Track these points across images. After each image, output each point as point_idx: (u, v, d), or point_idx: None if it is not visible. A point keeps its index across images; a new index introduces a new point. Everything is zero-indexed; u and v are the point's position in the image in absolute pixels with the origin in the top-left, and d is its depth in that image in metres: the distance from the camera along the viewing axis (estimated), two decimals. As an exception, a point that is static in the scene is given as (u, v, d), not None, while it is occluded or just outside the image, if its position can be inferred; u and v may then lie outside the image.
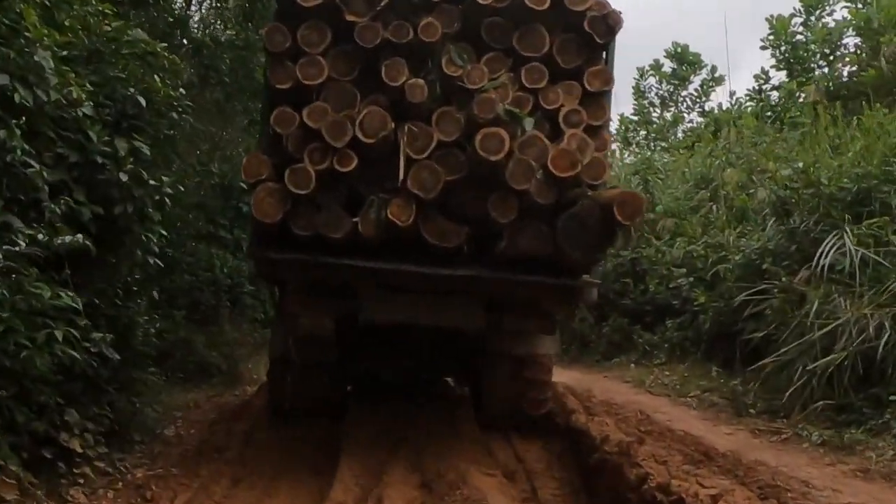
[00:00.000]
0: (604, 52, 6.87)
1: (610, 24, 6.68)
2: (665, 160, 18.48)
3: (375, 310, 6.94)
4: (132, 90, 6.44)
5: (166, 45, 7.49)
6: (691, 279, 11.61)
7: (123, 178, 5.92)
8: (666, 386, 10.28)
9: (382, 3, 6.40)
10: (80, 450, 5.94)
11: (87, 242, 5.18)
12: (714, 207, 12.67)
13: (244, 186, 14.99)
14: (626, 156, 18.64)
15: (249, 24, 14.90)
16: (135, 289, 7.31)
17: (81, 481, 6.02)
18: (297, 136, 6.27)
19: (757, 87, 16.53)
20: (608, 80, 6.77)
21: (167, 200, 6.59)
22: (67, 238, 4.96)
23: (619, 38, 6.76)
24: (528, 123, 6.32)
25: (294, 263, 6.48)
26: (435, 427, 7.99)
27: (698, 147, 16.80)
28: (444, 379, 9.81)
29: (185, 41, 11.73)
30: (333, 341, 7.42)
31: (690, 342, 11.47)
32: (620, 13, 6.69)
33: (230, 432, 7.74)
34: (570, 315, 9.83)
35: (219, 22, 14.17)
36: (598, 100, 6.72)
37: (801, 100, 15.31)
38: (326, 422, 8.42)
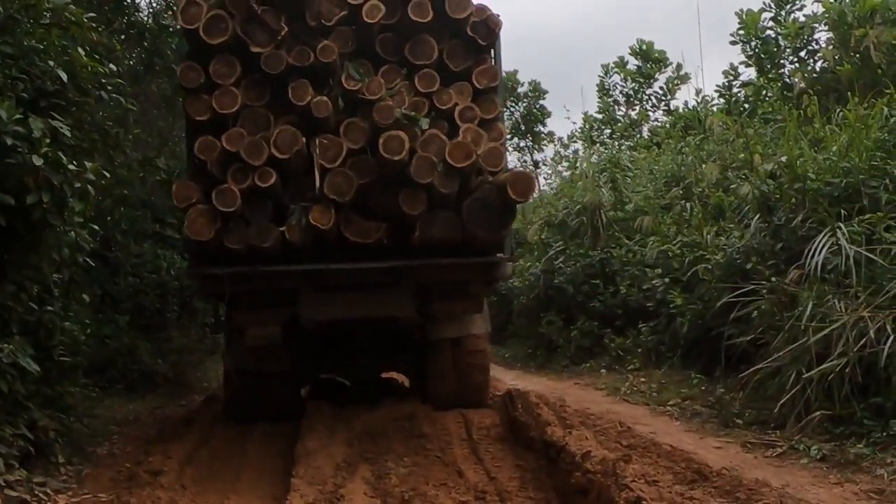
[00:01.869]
0: (491, 52, 7.79)
1: (490, 26, 7.63)
2: (632, 158, 17.93)
3: (315, 310, 7.66)
4: (52, 64, 5.62)
5: (94, 15, 6.65)
6: (666, 280, 10.99)
7: (38, 162, 5.10)
8: (643, 394, 9.65)
9: (283, 33, 7.23)
10: (-15, 477, 5.12)
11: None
12: (688, 205, 12.10)
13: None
14: (591, 154, 18.02)
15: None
16: (56, 291, 6.41)
17: (-11, 513, 5.23)
18: (219, 161, 7.01)
19: (726, 84, 15.99)
20: (495, 76, 7.69)
21: (90, 189, 5.73)
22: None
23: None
24: (425, 123, 7.19)
25: (232, 276, 7.16)
26: (398, 442, 7.29)
27: (667, 144, 16.28)
28: (390, 377, 10.43)
29: (125, 21, 10.81)
30: (283, 349, 7.95)
31: (666, 347, 10.87)
32: (498, 16, 7.65)
33: (169, 452, 6.91)
34: (490, 292, 10.23)
35: (165, 7, 13.30)
36: (488, 96, 7.62)
37: (768, 96, 14.85)
38: (278, 439, 7.80)
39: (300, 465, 6.45)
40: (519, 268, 17.81)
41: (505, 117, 23.37)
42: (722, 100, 16.64)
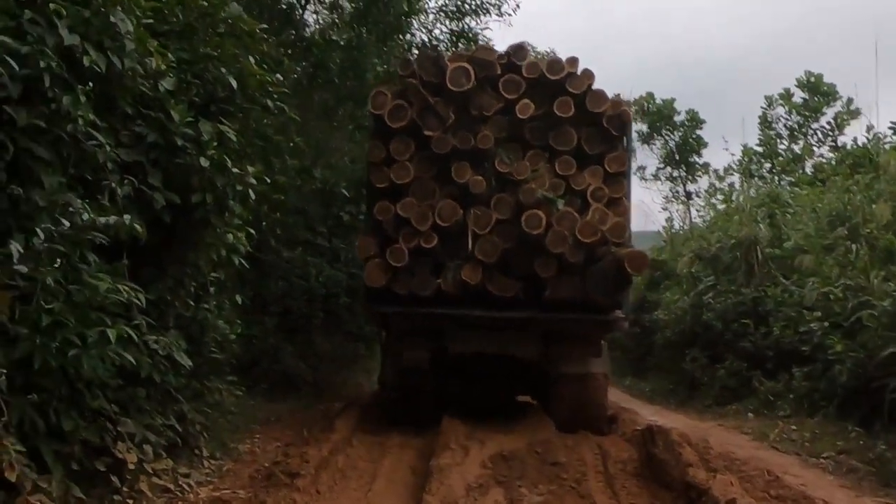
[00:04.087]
0: (623, 140, 9.27)
1: (623, 119, 9.16)
2: (793, 194, 17.09)
3: (458, 344, 9.00)
4: (224, 71, 5.83)
5: (265, 26, 6.87)
6: (826, 324, 10.35)
7: (205, 164, 5.28)
8: (794, 442, 9.08)
9: (450, 121, 8.86)
10: (134, 462, 5.30)
11: (138, 225, 4.49)
12: (854, 247, 11.36)
13: (346, 194, 14.70)
14: (749, 188, 17.29)
15: (364, 27, 14.49)
16: (212, 290, 6.62)
17: (135, 497, 5.41)
18: (393, 222, 8.81)
19: (904, 120, 14.98)
20: (623, 163, 9.18)
21: (251, 193, 5.91)
22: (112, 218, 4.27)
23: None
24: (560, 204, 8.68)
25: (397, 314, 8.94)
26: (532, 468, 7.14)
27: (833, 181, 15.41)
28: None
29: (293, 34, 11.17)
30: (429, 371, 9.08)
31: (821, 395, 10.20)
32: (631, 111, 9.39)
33: (306, 455, 6.99)
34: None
35: (333, 21, 13.70)
36: (617, 178, 9.10)
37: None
38: (412, 453, 7.81)
39: (433, 481, 6.39)
40: (665, 300, 17.34)
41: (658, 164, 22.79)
42: (896, 137, 15.56)
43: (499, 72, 9.15)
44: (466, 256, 8.68)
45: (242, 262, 6.97)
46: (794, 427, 9.77)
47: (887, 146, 17.01)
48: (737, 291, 13.86)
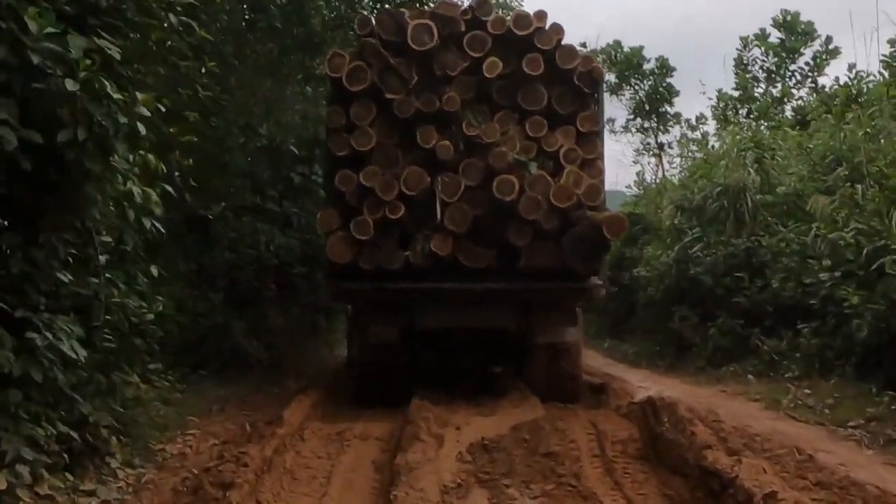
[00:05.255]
0: (594, 98, 8.87)
1: (594, 77, 8.78)
2: (776, 137, 15.93)
3: (428, 319, 8.58)
4: (105, -29, 4.44)
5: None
6: (837, 274, 9.21)
7: (73, 87, 3.88)
8: (812, 410, 7.96)
9: (413, 82, 8.40)
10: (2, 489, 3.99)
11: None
12: (859, 188, 10.24)
13: (296, 152, 13.33)
14: (734, 132, 16.10)
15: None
16: (103, 258, 5.14)
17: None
18: (356, 192, 8.33)
19: (894, 53, 13.84)
20: (596, 122, 8.82)
21: (141, 128, 4.46)
22: None
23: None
24: (533, 167, 8.31)
25: (363, 290, 8.51)
26: (520, 460, 5.93)
27: (823, 119, 14.26)
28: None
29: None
30: (399, 347, 8.65)
31: (835, 353, 9.10)
32: (603, 67, 8.80)
33: (245, 457, 5.69)
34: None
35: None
36: (590, 138, 8.70)
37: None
38: (376, 446, 6.65)
39: (400, 485, 5.17)
40: (646, 256, 16.20)
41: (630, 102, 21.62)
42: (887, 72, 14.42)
43: (463, 28, 8.57)
44: (435, 226, 8.24)
45: (156, 225, 5.59)
46: (807, 391, 8.67)
47: (870, 84, 15.98)
48: (726, 243, 12.72)
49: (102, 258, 4.90)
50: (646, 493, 5.69)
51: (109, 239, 5.01)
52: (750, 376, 10.38)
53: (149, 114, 4.41)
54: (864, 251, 8.90)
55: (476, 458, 6.02)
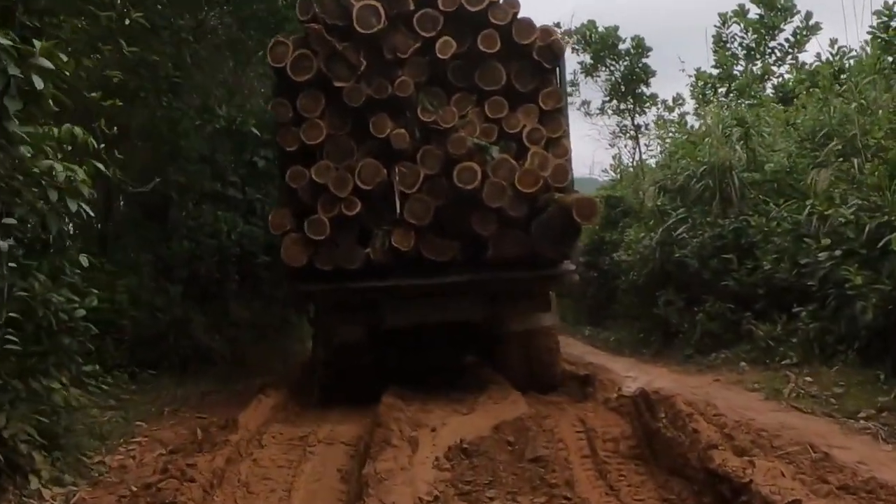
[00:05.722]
0: (556, 73, 8.39)
1: (554, 51, 8.24)
2: (758, 116, 15.35)
3: (394, 317, 8.12)
4: None
5: None
6: (837, 253, 8.60)
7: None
8: (816, 399, 7.34)
9: (362, 68, 7.90)
10: None
11: None
12: (856, 162, 9.65)
13: (258, 134, 12.58)
14: (719, 109, 15.51)
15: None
16: (5, 243, 4.28)
17: None
18: (309, 189, 7.84)
19: (882, 24, 13.28)
20: (559, 98, 8.33)
21: (38, 82, 3.64)
22: None
23: None
24: (495, 152, 7.82)
25: (322, 292, 8.01)
26: (504, 466, 5.27)
27: (811, 94, 13.69)
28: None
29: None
30: (366, 346, 8.28)
31: (837, 338, 8.50)
32: (563, 39, 8.50)
33: (192, 472, 4.98)
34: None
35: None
36: (554, 116, 8.25)
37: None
38: (342, 452, 6.00)
39: (369, 498, 4.51)
40: (627, 240, 15.59)
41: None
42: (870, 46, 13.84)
43: (412, 7, 8.11)
44: (395, 221, 7.83)
45: (85, 209, 4.84)
46: (809, 379, 8.05)
47: (852, 59, 15.49)
48: (713, 223, 12.10)
49: (6, 243, 4.14)
50: (644, 500, 5.07)
51: (13, 221, 4.25)
52: (743, 364, 9.76)
53: (50, 66, 3.66)
54: (867, 228, 8.30)
55: (455, 464, 5.36)
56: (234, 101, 13.15)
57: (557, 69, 8.44)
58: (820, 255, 8.91)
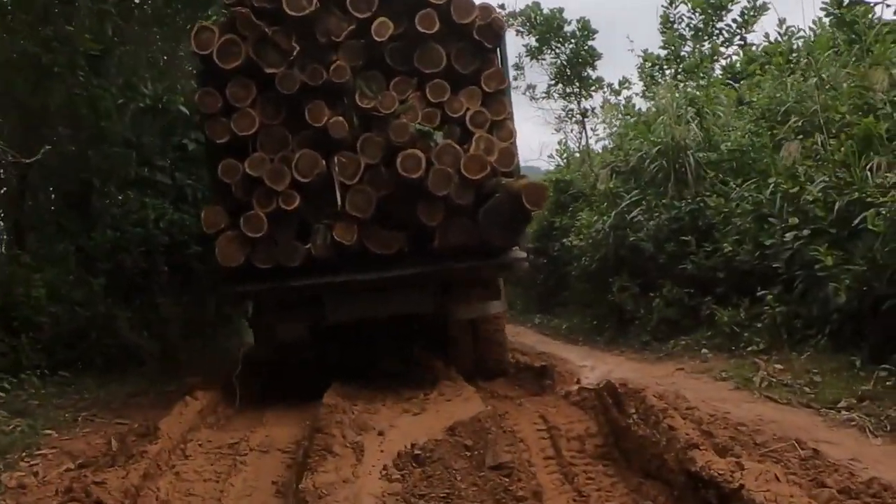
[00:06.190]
0: (497, 53, 8.03)
1: (495, 29, 7.86)
2: (709, 96, 14.98)
3: (339, 312, 7.81)
4: None
5: None
6: (805, 233, 8.14)
7: None
8: (790, 388, 6.83)
9: (294, 53, 7.45)
10: None
11: None
12: (819, 138, 9.22)
13: (186, 113, 11.76)
14: (673, 87, 15.07)
15: None
16: None
17: None
18: (243, 183, 7.37)
19: (835, 0, 12.92)
20: (502, 80, 7.98)
21: None
22: None
23: None
24: (439, 138, 7.47)
25: (260, 292, 7.63)
26: (462, 475, 4.63)
27: (766, 71, 13.32)
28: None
29: None
30: (308, 343, 8.03)
31: (805, 322, 8.05)
32: (503, 18, 8.30)
33: (100, 491, 4.25)
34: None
35: None
36: (497, 98, 7.90)
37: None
38: (278, 460, 5.32)
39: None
40: (579, 224, 15.09)
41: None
42: (827, 21, 13.52)
43: None
44: (336, 214, 7.44)
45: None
46: (779, 366, 7.58)
47: (800, 40, 15.24)
48: (668, 205, 11.64)
49: None
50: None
51: None
52: (705, 351, 9.29)
53: None
54: (836, 206, 7.86)
55: (406, 474, 4.70)
56: (163, 80, 12.32)
57: (499, 49, 8.11)
58: (786, 235, 8.45)
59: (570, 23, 24.65)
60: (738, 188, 10.47)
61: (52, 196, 11.73)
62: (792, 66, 12.64)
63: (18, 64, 9.98)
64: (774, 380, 7.22)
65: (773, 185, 9.22)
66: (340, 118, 7.52)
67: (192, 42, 7.70)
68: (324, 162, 7.43)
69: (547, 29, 24.21)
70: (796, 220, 8.28)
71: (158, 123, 11.84)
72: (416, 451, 4.93)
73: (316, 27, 7.61)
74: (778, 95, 11.72)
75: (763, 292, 8.83)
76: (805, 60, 11.28)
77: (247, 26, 7.50)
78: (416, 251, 7.65)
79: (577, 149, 25.01)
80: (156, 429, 5.50)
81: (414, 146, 7.44)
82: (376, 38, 7.59)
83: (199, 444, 5.65)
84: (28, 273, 9.73)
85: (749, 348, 8.56)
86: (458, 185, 7.38)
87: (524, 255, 8.09)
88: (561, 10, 24.79)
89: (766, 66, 13.37)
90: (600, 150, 20.57)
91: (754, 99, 12.64)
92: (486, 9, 7.91)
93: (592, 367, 9.76)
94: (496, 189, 7.27)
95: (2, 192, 11.34)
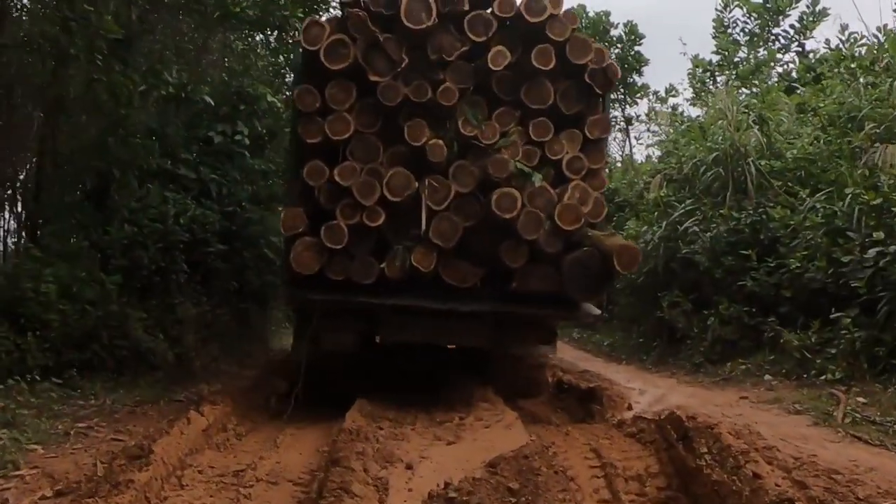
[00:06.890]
0: (604, 100, 7.59)
1: (608, 75, 7.40)
2: (766, 102, 14.07)
3: (392, 331, 7.58)
4: None
5: None
6: (891, 249, 7.23)
7: None
8: (879, 427, 5.93)
9: (402, 64, 7.11)
10: None
11: None
12: (901, 146, 8.31)
13: (211, 103, 11.09)
14: (734, 90, 14.23)
15: None
16: None
17: None
18: (329, 191, 7.06)
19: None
20: (606, 128, 7.66)
21: None
22: None
23: None
24: (537, 178, 7.12)
25: (329, 302, 7.25)
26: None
27: (836, 74, 12.43)
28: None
29: None
30: (351, 353, 7.70)
31: (890, 350, 7.15)
32: (617, 66, 7.57)
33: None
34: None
35: None
36: (598, 146, 7.53)
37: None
38: (289, 492, 4.50)
39: None
40: (626, 234, 14.21)
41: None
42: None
43: (466, 7, 7.22)
44: (418, 237, 6.99)
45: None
46: (862, 399, 6.70)
47: (863, 47, 14.31)
48: (727, 216, 10.75)
49: None
50: None
51: None
52: (769, 376, 8.42)
53: None
54: (930, 220, 6.97)
55: (438, 517, 3.90)
56: (192, 69, 11.68)
57: (603, 97, 7.61)
58: (868, 252, 7.54)
59: (616, 26, 23.85)
60: (806, 199, 9.54)
61: (68, 187, 11.05)
62: (864, 70, 11.76)
63: (37, 46, 9.38)
64: (859, 415, 6.33)
65: (850, 196, 8.31)
66: (440, 141, 7.06)
67: (300, 36, 7.35)
68: (416, 184, 7.03)
69: (593, 32, 23.47)
70: (881, 235, 7.37)
71: (183, 114, 11.16)
72: (451, 494, 4.11)
73: (428, 42, 7.23)
74: (849, 101, 10.80)
75: (838, 314, 7.95)
76: (883, 63, 10.37)
77: (359, 29, 7.12)
78: (487, 287, 7.23)
79: (620, 157, 24.18)
80: (150, 451, 4.73)
81: (509, 184, 6.99)
82: (491, 67, 7.13)
83: (198, 471, 4.87)
84: (38, 267, 9.08)
85: (822, 377, 7.68)
86: (549, 231, 6.91)
87: (598, 312, 7.61)
88: (608, 14, 24.04)
89: (835, 71, 12.38)
90: (643, 159, 19.70)
91: (821, 105, 11.71)
92: (601, 52, 7.44)
93: (641, 389, 8.93)
94: (584, 240, 6.90)
95: (16, 182, 10.70)
